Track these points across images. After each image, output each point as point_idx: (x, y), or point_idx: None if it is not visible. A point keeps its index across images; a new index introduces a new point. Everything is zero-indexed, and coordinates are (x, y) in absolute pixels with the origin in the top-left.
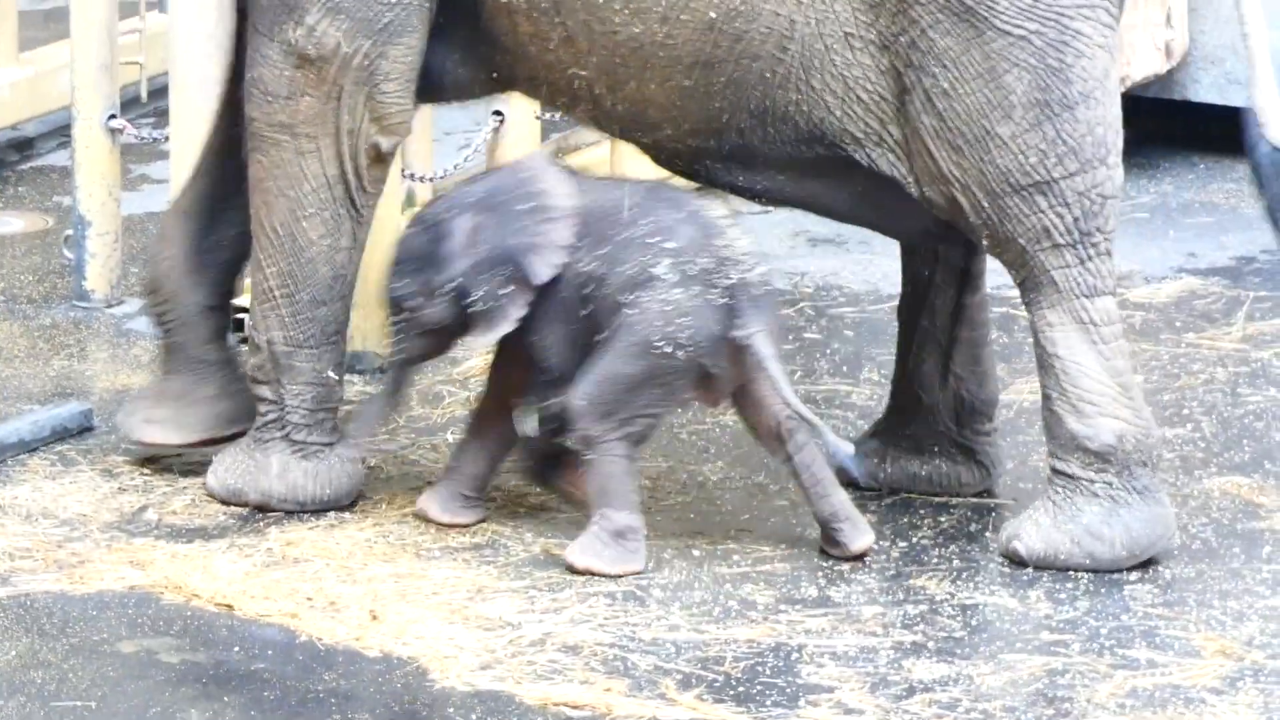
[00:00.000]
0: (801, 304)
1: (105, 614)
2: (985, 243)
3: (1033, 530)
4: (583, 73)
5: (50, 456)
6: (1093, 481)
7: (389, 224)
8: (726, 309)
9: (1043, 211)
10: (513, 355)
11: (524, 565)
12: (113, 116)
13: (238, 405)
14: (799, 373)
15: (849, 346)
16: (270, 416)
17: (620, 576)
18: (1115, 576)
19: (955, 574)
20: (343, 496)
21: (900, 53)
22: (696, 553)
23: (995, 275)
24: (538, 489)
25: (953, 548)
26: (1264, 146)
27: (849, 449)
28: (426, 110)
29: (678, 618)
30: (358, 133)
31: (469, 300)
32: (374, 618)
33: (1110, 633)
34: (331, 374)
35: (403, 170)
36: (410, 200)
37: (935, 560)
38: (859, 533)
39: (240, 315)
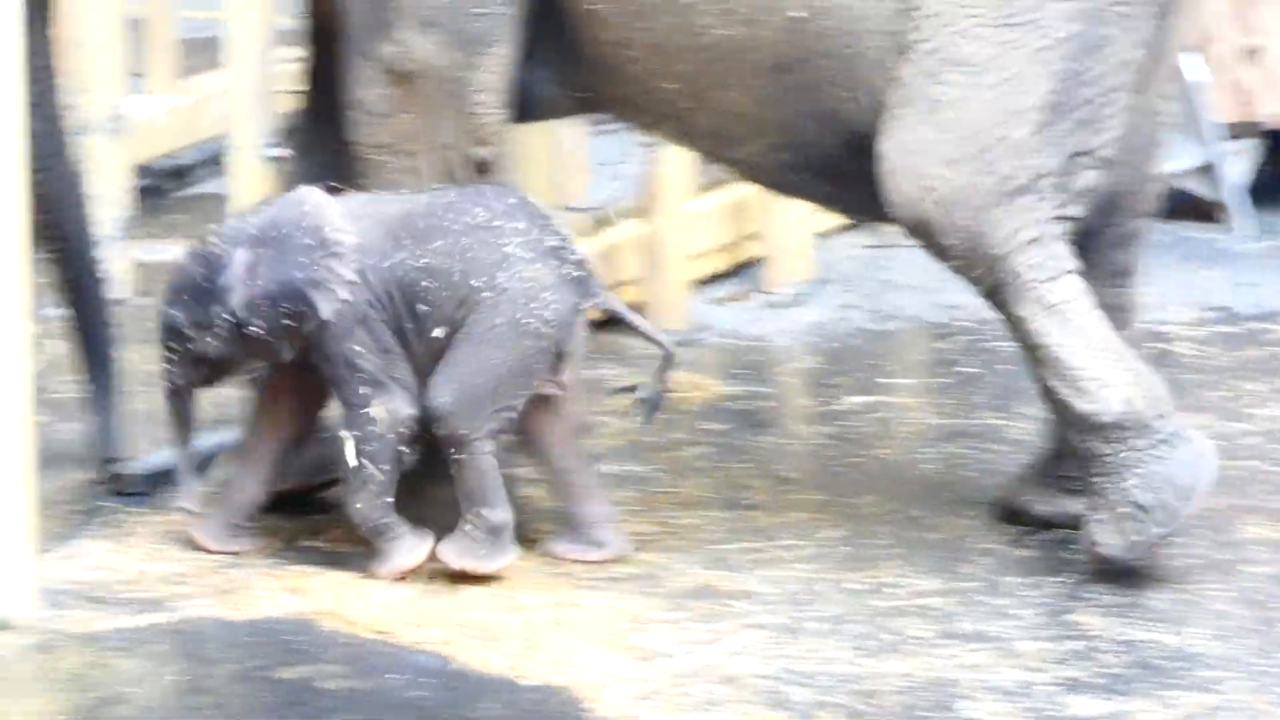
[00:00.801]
0: (957, 337)
1: (264, 640)
2: (954, 261)
3: (1100, 530)
4: (668, 85)
5: (209, 483)
6: (1120, 453)
7: None
8: (579, 281)
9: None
10: (284, 385)
11: (681, 596)
12: (269, 145)
13: None
14: (954, 404)
15: (1004, 380)
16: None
17: (490, 575)
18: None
19: (1113, 609)
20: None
21: (918, 58)
22: (853, 585)
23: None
24: (683, 518)
25: (1110, 584)
26: None
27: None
28: (582, 141)
29: (834, 650)
30: (456, 147)
31: (247, 333)
32: (531, 647)
33: (1272, 670)
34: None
35: (559, 201)
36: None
37: (1093, 596)
38: (620, 539)
39: None
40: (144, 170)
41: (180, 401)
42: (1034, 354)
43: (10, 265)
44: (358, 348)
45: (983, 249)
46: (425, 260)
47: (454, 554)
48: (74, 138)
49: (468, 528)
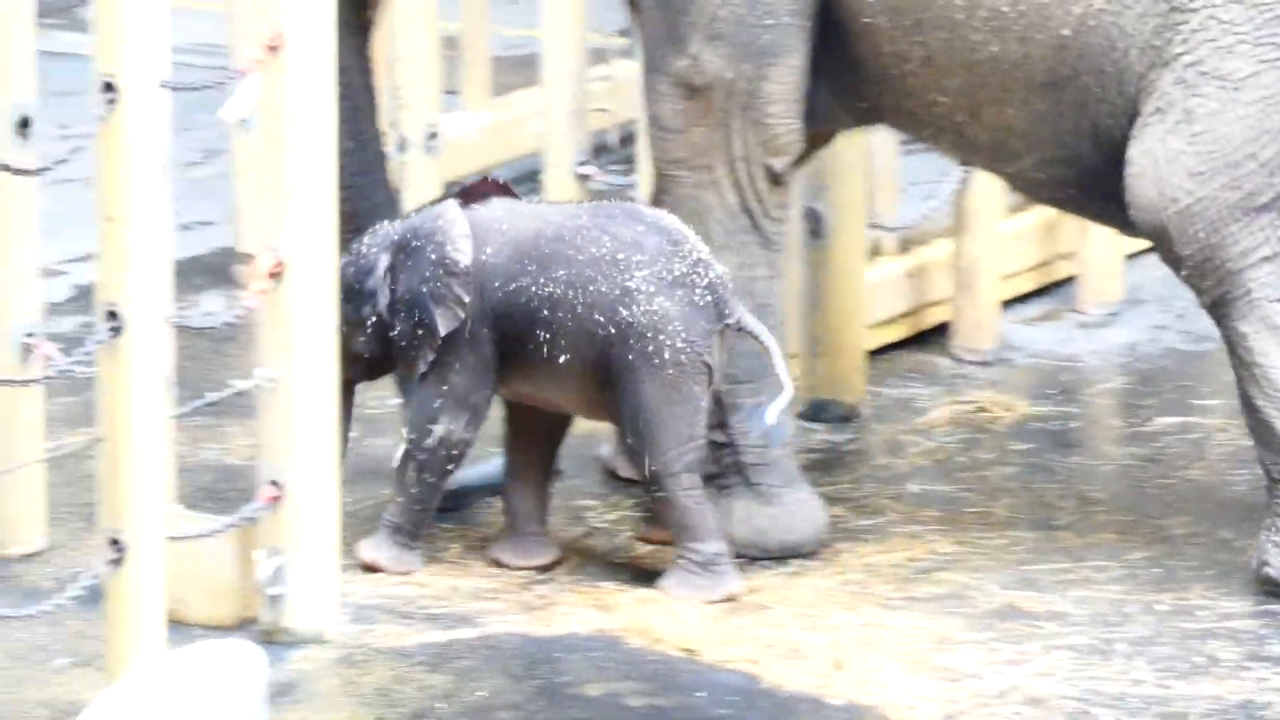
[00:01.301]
0: None
1: (571, 656)
2: (1183, 271)
3: (1276, 552)
4: (943, 98)
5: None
6: None
7: (853, 274)
8: (712, 305)
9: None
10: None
11: (988, 616)
12: (583, 163)
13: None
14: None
15: None
16: (726, 460)
17: (718, 601)
18: None
19: None
20: (806, 542)
21: (1177, 69)
22: (1162, 607)
23: None
24: (991, 538)
25: None
26: None
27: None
28: (892, 160)
29: (1142, 672)
30: (750, 159)
31: (391, 335)
32: (838, 666)
33: None
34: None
35: (868, 219)
36: (876, 249)
37: None
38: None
39: None
40: (455, 188)
41: (341, 395)
42: (1247, 370)
43: (323, 280)
44: (456, 365)
45: (1216, 261)
46: (548, 289)
47: (674, 587)
48: (390, 154)
49: (682, 562)
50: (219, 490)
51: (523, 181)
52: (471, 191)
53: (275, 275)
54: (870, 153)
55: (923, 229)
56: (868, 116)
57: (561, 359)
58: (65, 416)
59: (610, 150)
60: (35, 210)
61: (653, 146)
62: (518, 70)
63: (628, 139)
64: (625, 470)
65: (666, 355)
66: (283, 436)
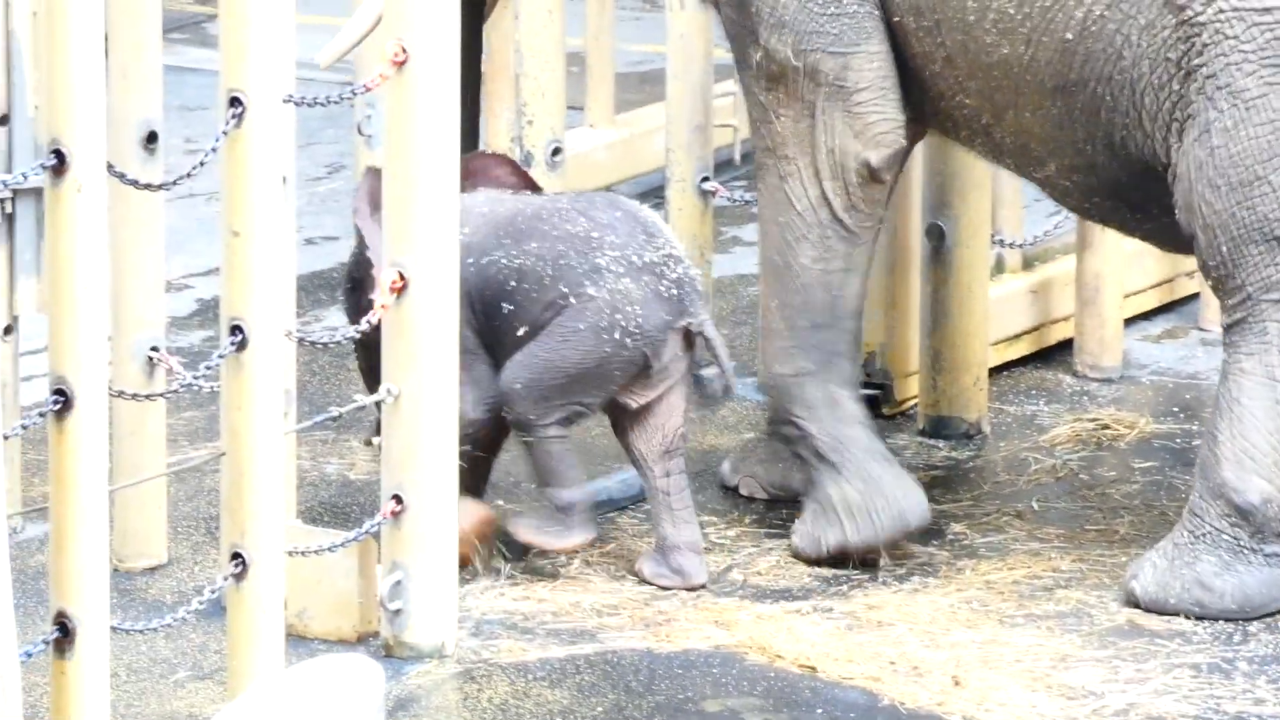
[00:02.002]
0: None
1: (691, 673)
2: (1210, 281)
3: (1149, 572)
4: (968, 101)
5: (638, 515)
6: (1221, 533)
7: (976, 290)
8: (677, 299)
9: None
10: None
11: (1108, 634)
12: (705, 179)
13: None
14: None
15: None
16: (803, 452)
17: (566, 550)
18: None
19: None
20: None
21: (1198, 80)
22: None
23: None
24: (1113, 556)
25: None
26: None
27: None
28: (1016, 176)
29: (1264, 692)
30: (841, 150)
31: None
32: (957, 684)
33: None
34: (840, 390)
35: (992, 235)
36: (999, 266)
37: None
38: (699, 569)
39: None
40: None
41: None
42: (1224, 402)
43: (446, 295)
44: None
45: (1237, 281)
46: (519, 261)
47: (524, 529)
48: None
49: (540, 506)
50: (340, 505)
51: (647, 197)
52: (473, 166)
53: (398, 290)
54: (994, 169)
55: (1046, 245)
56: (915, 122)
57: (520, 330)
58: (188, 430)
59: (734, 166)
60: (161, 224)
61: (753, 139)
62: (642, 86)
63: (750, 155)
64: (746, 488)
65: (616, 335)
66: (405, 451)
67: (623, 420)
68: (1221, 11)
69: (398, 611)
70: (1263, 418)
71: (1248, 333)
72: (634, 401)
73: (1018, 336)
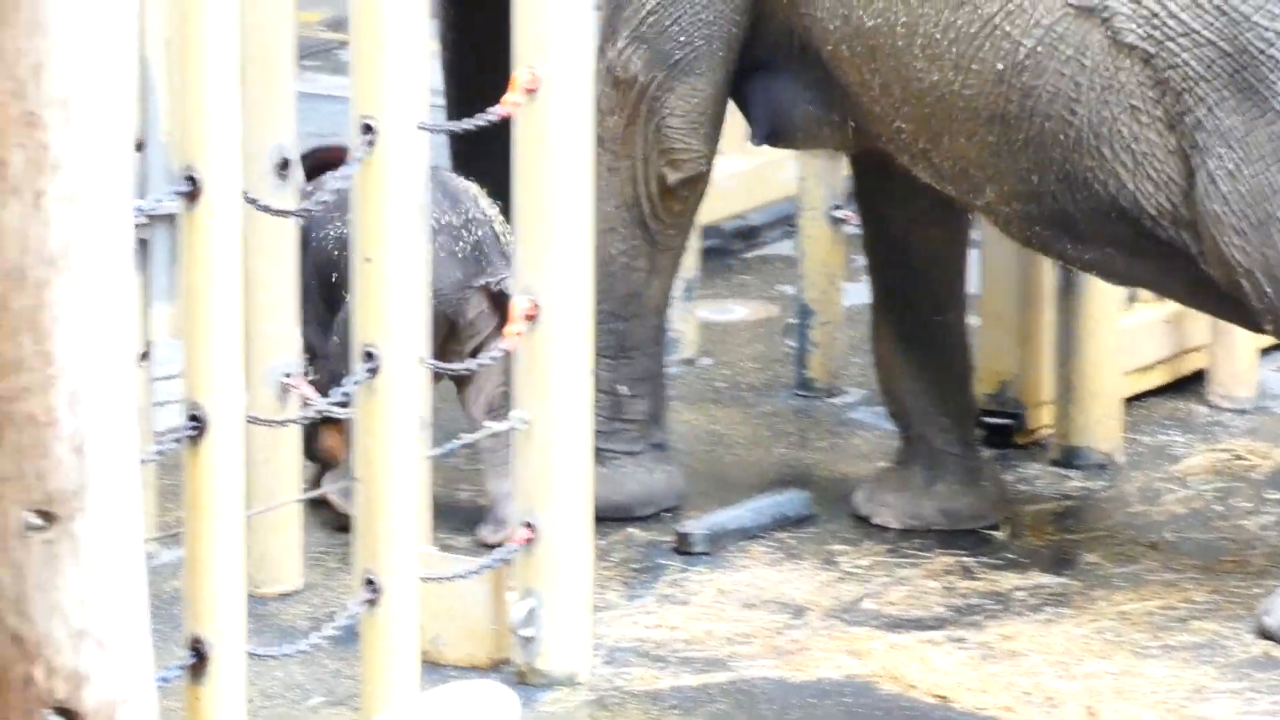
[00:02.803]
0: None
1: (824, 702)
2: (1268, 328)
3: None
4: (905, 125)
5: (771, 543)
6: None
7: (1109, 321)
8: (473, 259)
9: None
10: None
11: (1243, 666)
12: (837, 207)
13: (972, 503)
14: None
15: None
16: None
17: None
18: None
19: None
20: (634, 505)
21: (1186, 133)
22: None
23: None
24: (1247, 588)
25: None
26: None
27: None
28: None
29: None
30: (648, 161)
31: None
32: (1091, 715)
33: None
34: (623, 388)
35: None
36: (1133, 296)
37: None
38: (509, 521)
39: (988, 420)
40: (711, 231)
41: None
42: None
43: (579, 322)
44: (306, 318)
45: None
46: (342, 230)
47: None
48: None
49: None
50: (475, 531)
51: (778, 225)
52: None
53: (531, 318)
54: None
55: None
56: (859, 140)
57: (346, 297)
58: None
59: None
60: (293, 251)
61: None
62: None
63: None
64: (879, 517)
65: None
66: (537, 478)
67: (456, 385)
68: (1177, 54)
69: (530, 638)
70: None
71: None
72: (455, 363)
73: (1151, 366)
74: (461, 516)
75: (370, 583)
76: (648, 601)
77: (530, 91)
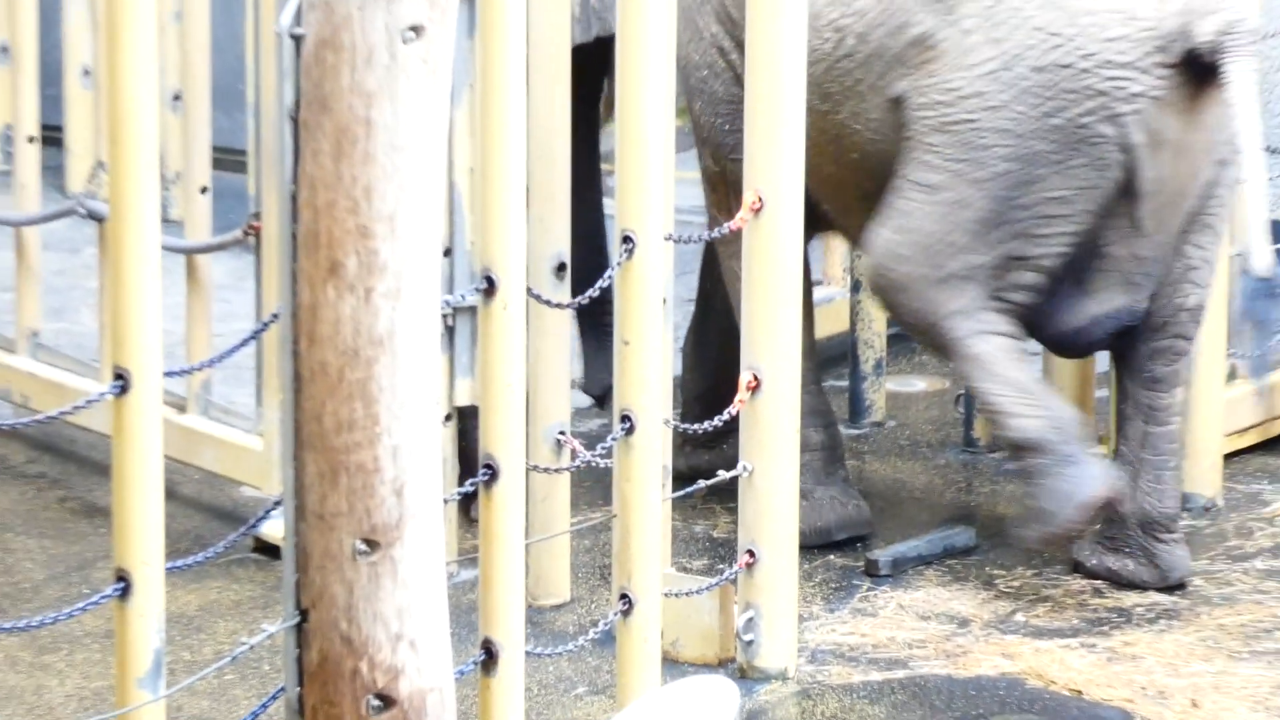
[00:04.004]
0: None
1: (982, 694)
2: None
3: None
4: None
5: (942, 569)
6: (1029, 466)
7: (1213, 393)
8: None
9: None
10: None
11: None
12: None
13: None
14: None
15: None
16: None
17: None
18: None
19: None
20: (834, 530)
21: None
22: None
23: None
24: None
25: None
26: None
27: None
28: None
29: None
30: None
31: None
32: (1195, 705)
33: None
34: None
35: (1226, 350)
36: (1232, 373)
37: None
38: None
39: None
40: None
41: None
42: (972, 391)
43: (790, 391)
44: None
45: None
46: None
47: None
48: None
49: None
50: (706, 557)
51: None
52: None
53: (752, 389)
54: (1232, 295)
55: (1272, 358)
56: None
57: None
58: (588, 497)
59: None
60: (567, 335)
61: None
62: None
63: None
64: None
65: None
66: (756, 515)
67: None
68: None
69: (750, 642)
70: (988, 383)
71: (944, 346)
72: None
73: (1246, 429)
74: (696, 545)
75: (625, 597)
76: (843, 613)
77: (756, 211)
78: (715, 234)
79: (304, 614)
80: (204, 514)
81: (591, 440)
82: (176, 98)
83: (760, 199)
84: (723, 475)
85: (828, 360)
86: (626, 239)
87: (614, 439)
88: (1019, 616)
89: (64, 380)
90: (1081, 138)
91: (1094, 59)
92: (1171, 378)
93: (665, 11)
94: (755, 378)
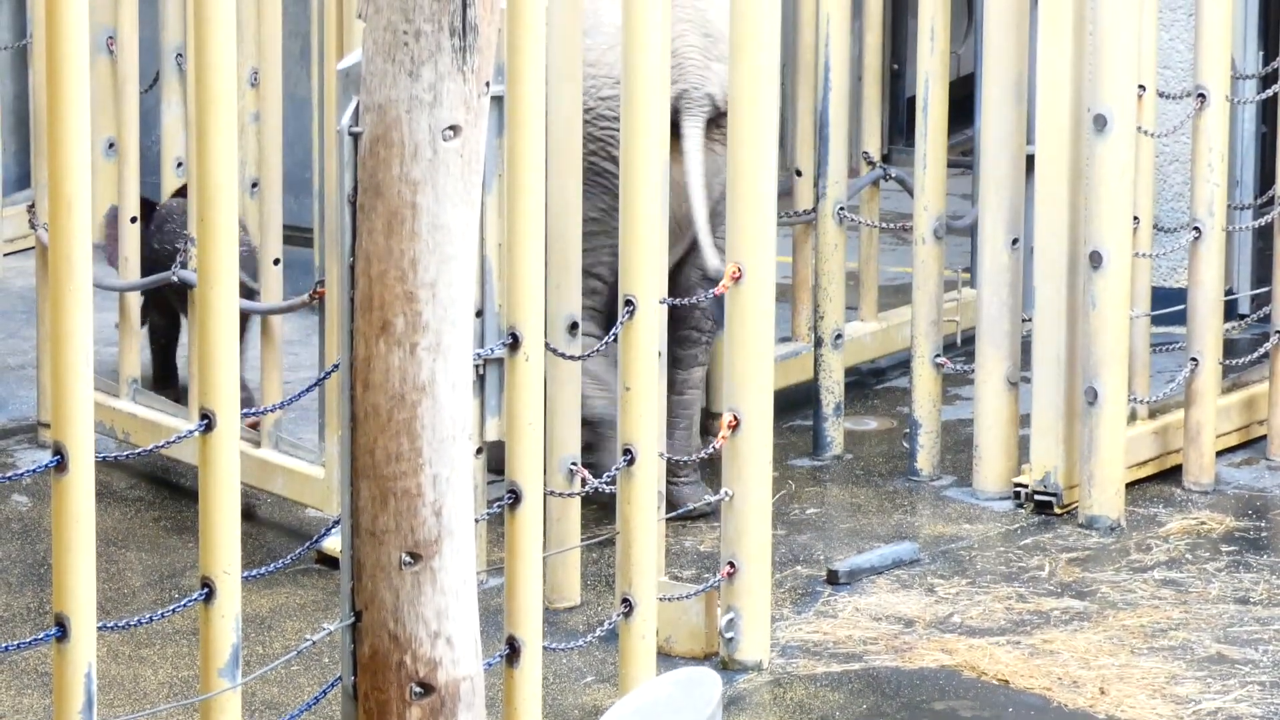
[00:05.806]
0: None
1: (925, 683)
2: None
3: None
4: None
5: (891, 578)
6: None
7: (1118, 432)
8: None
9: None
10: None
11: (1204, 662)
12: (938, 356)
13: None
14: None
15: None
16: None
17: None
18: None
19: None
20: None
21: None
22: None
23: None
24: None
25: None
26: None
27: None
28: (1145, 353)
29: None
30: None
31: None
32: (1102, 693)
33: None
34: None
35: (1129, 395)
36: (1133, 415)
37: None
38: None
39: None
40: (852, 371)
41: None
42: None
43: (763, 429)
44: None
45: None
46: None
47: None
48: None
49: None
50: (694, 568)
51: (898, 368)
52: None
53: (733, 427)
54: (1133, 351)
55: (1164, 402)
56: None
57: None
58: (595, 517)
59: (957, 347)
60: (578, 383)
61: None
62: (896, 294)
63: (968, 340)
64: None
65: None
66: (736, 532)
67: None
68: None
69: (731, 639)
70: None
71: None
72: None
73: (1145, 462)
74: (686, 558)
75: (626, 601)
76: (808, 615)
77: (735, 279)
78: (703, 299)
79: (358, 615)
80: (275, 531)
81: (598, 470)
82: (254, 185)
83: (739, 269)
84: (709, 499)
85: (794, 403)
86: (628, 302)
87: (616, 469)
88: (955, 618)
89: (159, 419)
90: (598, 171)
91: (591, 113)
92: (689, 360)
93: (661, 115)
94: (735, 418)
